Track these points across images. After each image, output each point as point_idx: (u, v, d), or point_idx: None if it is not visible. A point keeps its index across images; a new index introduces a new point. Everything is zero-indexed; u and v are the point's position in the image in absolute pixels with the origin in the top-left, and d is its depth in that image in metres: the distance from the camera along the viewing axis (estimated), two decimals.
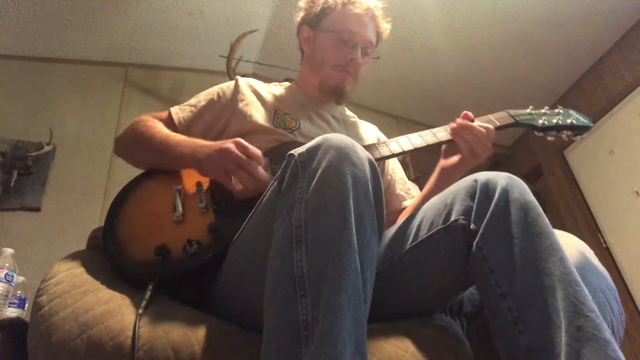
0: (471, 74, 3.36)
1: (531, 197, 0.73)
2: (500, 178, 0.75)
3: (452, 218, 0.76)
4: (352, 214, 0.64)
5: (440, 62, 3.25)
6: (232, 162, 0.90)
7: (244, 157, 0.90)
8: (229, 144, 0.92)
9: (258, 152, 0.92)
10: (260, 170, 0.91)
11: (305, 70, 1.30)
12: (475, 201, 0.74)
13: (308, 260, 0.62)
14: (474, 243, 0.72)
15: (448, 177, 1.06)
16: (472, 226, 0.73)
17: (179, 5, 2.76)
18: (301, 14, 1.29)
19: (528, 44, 3.12)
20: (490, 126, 1.04)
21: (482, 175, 0.77)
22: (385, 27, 1.27)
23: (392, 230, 0.89)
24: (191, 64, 3.21)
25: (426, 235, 0.79)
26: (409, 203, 1.19)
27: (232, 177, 0.92)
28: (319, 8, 1.23)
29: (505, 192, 0.73)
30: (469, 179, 0.78)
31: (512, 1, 2.81)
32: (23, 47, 2.88)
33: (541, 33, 3.04)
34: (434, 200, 0.84)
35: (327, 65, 1.21)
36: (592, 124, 1.15)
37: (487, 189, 0.74)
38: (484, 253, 0.71)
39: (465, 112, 1.07)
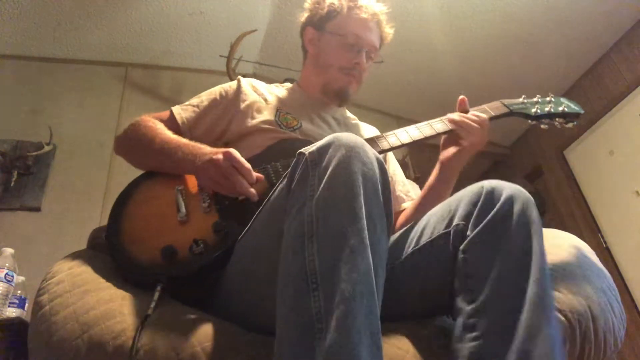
0: (471, 74, 3.35)
1: (533, 213, 0.73)
2: (507, 188, 0.75)
3: (454, 223, 0.77)
4: (363, 209, 0.65)
5: (440, 62, 3.24)
6: (221, 175, 0.92)
7: (232, 170, 0.92)
8: (219, 156, 0.93)
9: (247, 166, 0.93)
10: (245, 185, 0.92)
11: (308, 71, 1.30)
12: (477, 206, 0.75)
13: (320, 254, 0.62)
14: (462, 245, 0.74)
15: (448, 168, 1.08)
16: (468, 232, 0.74)
17: (179, 5, 2.76)
18: (306, 14, 1.29)
19: (528, 44, 3.12)
20: (484, 115, 1.07)
21: (489, 183, 0.77)
22: (389, 32, 1.28)
23: (396, 235, 0.89)
24: (191, 64, 3.21)
25: (428, 240, 0.80)
26: (408, 205, 1.20)
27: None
28: (325, 10, 1.24)
29: (508, 203, 0.73)
30: (476, 185, 0.79)
31: (512, 1, 2.81)
32: (23, 47, 2.88)
33: (541, 33, 3.03)
34: (440, 206, 0.84)
35: (333, 68, 1.21)
36: (582, 111, 1.17)
37: (491, 197, 0.75)
38: (466, 257, 0.73)
39: (461, 97, 1.11)
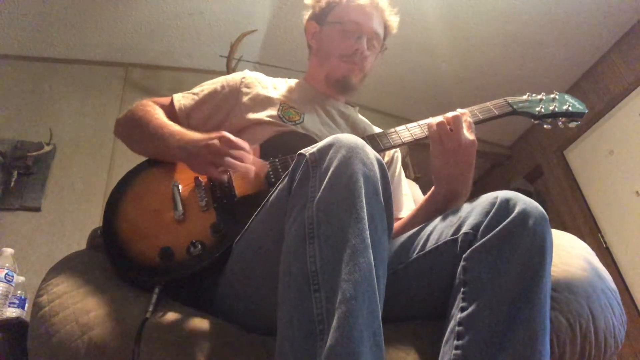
0: (471, 74, 3.35)
1: (545, 232, 0.71)
2: (522, 202, 0.73)
3: (462, 231, 0.76)
4: (365, 210, 0.64)
5: (440, 62, 3.24)
6: (219, 155, 0.90)
7: (229, 149, 0.90)
8: (214, 140, 0.91)
9: (243, 143, 0.92)
10: (249, 155, 0.91)
11: (312, 66, 1.31)
12: (489, 216, 0.73)
13: (321, 255, 0.62)
14: (466, 252, 0.73)
15: (442, 181, 0.98)
16: (477, 242, 0.73)
17: (179, 5, 2.76)
18: (308, 11, 1.31)
19: (528, 44, 3.12)
20: (457, 113, 0.97)
21: (505, 194, 0.75)
22: (393, 19, 1.28)
23: (401, 239, 0.88)
24: (191, 64, 3.21)
25: (433, 246, 0.80)
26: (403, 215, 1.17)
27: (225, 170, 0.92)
28: (324, 2, 1.25)
29: (520, 217, 0.71)
30: (491, 195, 0.77)
31: (512, 1, 2.81)
32: (23, 47, 2.88)
33: (541, 33, 3.03)
34: (449, 212, 0.83)
35: (333, 56, 1.21)
36: (586, 110, 1.15)
37: (505, 208, 0.73)
38: (466, 265, 0.72)
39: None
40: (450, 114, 0.96)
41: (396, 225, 1.07)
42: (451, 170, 0.95)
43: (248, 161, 0.91)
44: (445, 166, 0.95)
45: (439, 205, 0.97)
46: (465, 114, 0.98)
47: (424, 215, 0.99)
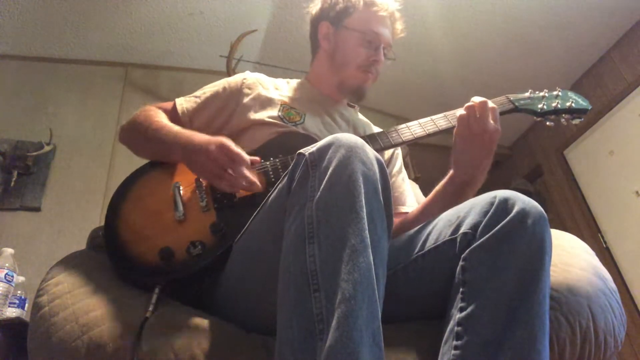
0: (471, 75, 3.35)
1: (544, 231, 0.71)
2: (520, 201, 0.73)
3: (461, 230, 0.76)
4: (364, 209, 0.64)
5: (441, 62, 3.24)
6: (217, 166, 0.90)
7: (227, 160, 0.90)
8: (212, 147, 0.91)
9: (242, 155, 0.91)
10: (245, 172, 0.90)
11: (320, 67, 1.28)
12: (487, 216, 0.73)
13: (321, 255, 0.62)
14: (464, 252, 0.73)
15: (461, 171, 0.99)
16: (476, 242, 0.73)
17: (179, 5, 2.76)
18: (317, 7, 1.28)
19: (528, 44, 3.12)
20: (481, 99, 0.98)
21: (503, 193, 0.75)
22: (401, 28, 1.29)
23: (400, 239, 0.88)
24: (191, 64, 3.21)
25: (432, 246, 0.80)
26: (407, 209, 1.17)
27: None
28: (342, 5, 1.23)
29: (519, 217, 0.71)
30: (489, 195, 0.77)
31: (512, 1, 2.81)
32: (23, 47, 2.88)
33: (541, 33, 3.03)
34: (448, 212, 0.83)
35: (351, 65, 1.20)
36: (590, 107, 1.13)
37: (503, 208, 0.73)
38: (465, 264, 0.72)
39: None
40: (477, 99, 0.97)
41: (407, 217, 1.09)
42: (473, 154, 0.97)
43: (243, 174, 0.90)
44: (467, 150, 0.97)
45: (456, 191, 0.99)
46: (489, 102, 0.99)
47: (440, 202, 0.99)
